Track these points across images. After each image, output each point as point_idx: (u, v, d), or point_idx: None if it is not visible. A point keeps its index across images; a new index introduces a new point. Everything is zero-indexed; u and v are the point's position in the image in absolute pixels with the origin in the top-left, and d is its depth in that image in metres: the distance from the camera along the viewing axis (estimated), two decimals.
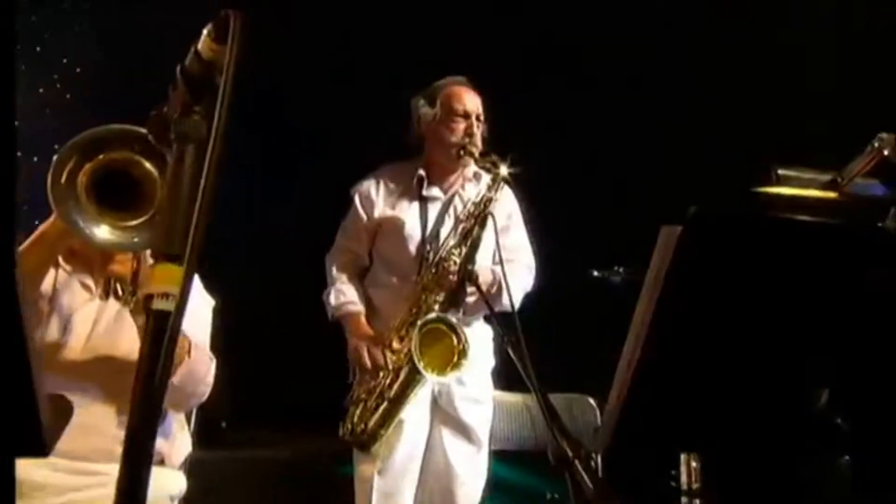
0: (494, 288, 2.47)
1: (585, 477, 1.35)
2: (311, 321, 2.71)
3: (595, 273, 2.88)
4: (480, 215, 2.36)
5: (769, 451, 1.48)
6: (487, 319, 2.62)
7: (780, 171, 1.45)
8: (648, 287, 1.28)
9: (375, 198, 2.58)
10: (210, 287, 1.95)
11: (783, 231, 1.27)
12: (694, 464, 1.71)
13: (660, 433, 1.40)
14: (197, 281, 1.90)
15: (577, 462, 1.38)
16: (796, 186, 1.43)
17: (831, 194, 1.46)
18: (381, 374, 2.42)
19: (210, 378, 1.80)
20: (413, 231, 2.53)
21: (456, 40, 3.20)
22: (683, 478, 1.72)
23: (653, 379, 1.33)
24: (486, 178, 2.52)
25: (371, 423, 2.40)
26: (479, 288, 2.18)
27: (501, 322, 1.96)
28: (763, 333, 1.30)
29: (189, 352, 1.71)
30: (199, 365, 1.75)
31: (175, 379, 1.67)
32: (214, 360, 1.85)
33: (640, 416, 1.36)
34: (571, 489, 1.36)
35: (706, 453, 1.65)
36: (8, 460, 0.84)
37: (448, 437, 2.55)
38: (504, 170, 2.37)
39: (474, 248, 2.23)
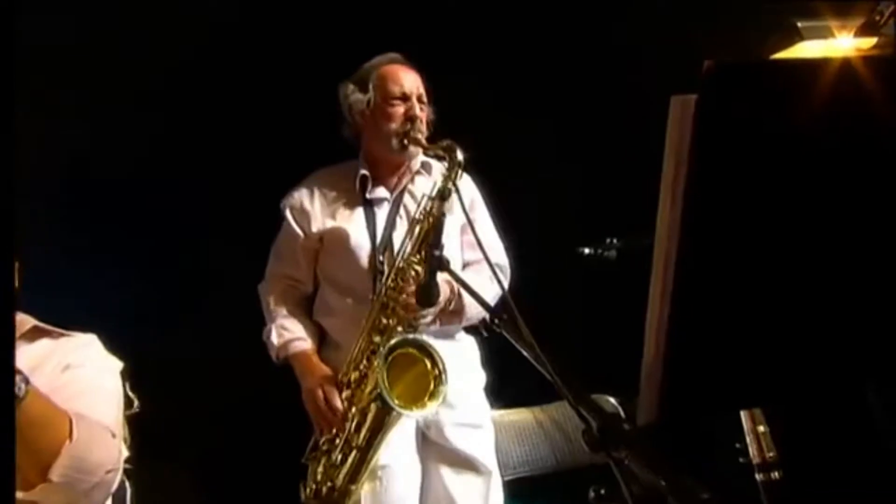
0: (452, 305, 2.21)
1: (637, 456, 1.06)
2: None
3: (586, 251, 2.63)
4: (439, 208, 2.07)
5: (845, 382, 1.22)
6: (466, 328, 2.35)
7: (801, 24, 1.22)
8: (667, 190, 1.03)
9: (311, 208, 2.31)
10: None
11: (832, 75, 1.02)
12: (762, 429, 1.43)
13: (722, 382, 1.13)
14: (87, 339, 1.62)
15: (621, 441, 1.09)
16: (825, 37, 1.20)
17: (868, 42, 1.23)
18: (345, 419, 2.12)
19: (114, 461, 1.46)
20: (361, 241, 2.26)
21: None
22: (753, 449, 1.43)
23: (699, 311, 1.07)
24: (439, 166, 2.26)
25: (339, 480, 2.09)
26: (453, 274, 1.89)
27: (489, 308, 1.67)
28: (836, 219, 1.05)
29: (70, 432, 1.37)
30: (90, 447, 1.40)
31: (54, 475, 1.34)
32: (119, 437, 1.51)
33: (692, 365, 1.11)
34: (620, 477, 1.07)
35: (775, 407, 1.38)
36: None
37: (449, 474, 2.26)
38: (461, 154, 2.09)
39: (438, 230, 1.94)
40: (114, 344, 1.66)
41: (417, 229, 2.14)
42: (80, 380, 1.50)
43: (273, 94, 2.88)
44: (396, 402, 2.03)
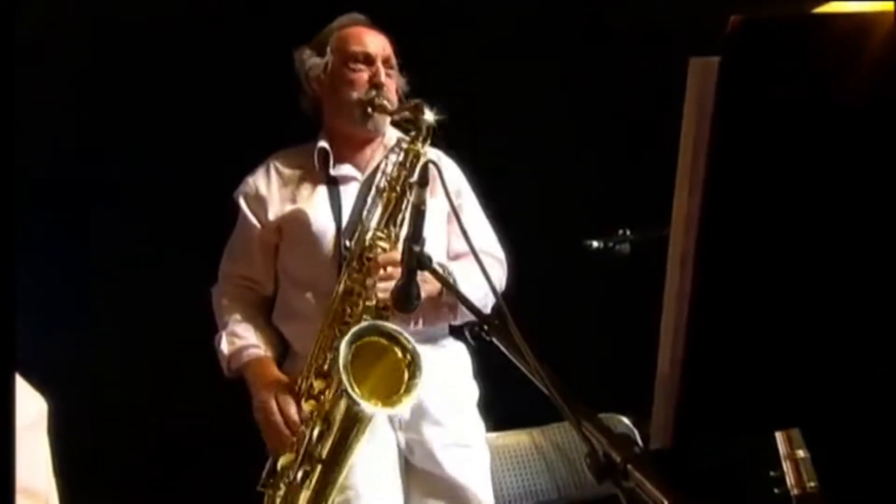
0: (445, 296, 2.18)
1: (649, 485, 1.04)
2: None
3: (594, 244, 2.62)
4: (408, 179, 2.06)
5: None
6: (455, 334, 2.34)
7: None
8: (684, 171, 1.02)
9: (268, 193, 2.29)
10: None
11: (878, 32, 1.00)
12: (801, 454, 1.40)
13: (749, 397, 1.11)
14: None
15: (631, 468, 1.07)
16: None
17: None
18: (303, 428, 2.08)
19: None
20: (324, 224, 2.24)
21: None
22: (790, 478, 1.40)
23: (721, 314, 1.06)
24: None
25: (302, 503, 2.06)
26: (437, 275, 1.85)
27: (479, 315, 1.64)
28: (882, 204, 1.03)
29: None
30: None
31: None
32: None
33: (713, 377, 1.09)
34: None
35: (814, 429, 1.36)
36: None
37: None
38: (429, 115, 2.07)
39: (418, 223, 1.89)
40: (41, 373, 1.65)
41: (384, 199, 2.13)
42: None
43: (222, 70, 2.92)
44: (365, 398, 1.98)
